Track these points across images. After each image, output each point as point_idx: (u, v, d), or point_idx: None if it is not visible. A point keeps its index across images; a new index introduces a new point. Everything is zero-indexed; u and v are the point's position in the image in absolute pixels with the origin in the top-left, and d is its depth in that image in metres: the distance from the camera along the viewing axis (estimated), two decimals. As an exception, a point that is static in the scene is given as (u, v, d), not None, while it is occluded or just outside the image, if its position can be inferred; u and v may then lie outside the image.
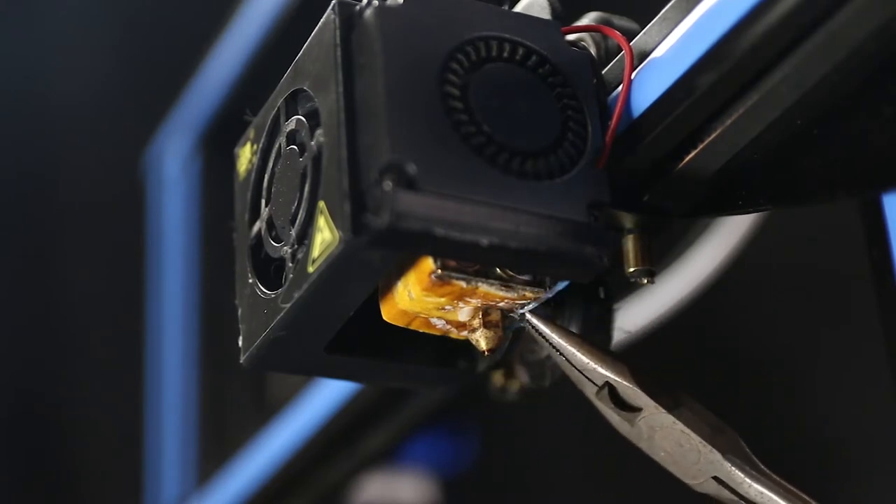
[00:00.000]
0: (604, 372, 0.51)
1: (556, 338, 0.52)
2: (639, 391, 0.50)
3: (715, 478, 0.50)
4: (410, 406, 0.82)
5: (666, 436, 0.50)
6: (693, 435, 0.50)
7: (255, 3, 1.10)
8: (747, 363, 1.06)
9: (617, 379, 0.51)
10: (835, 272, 0.98)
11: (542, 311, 0.53)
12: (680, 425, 0.50)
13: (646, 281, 0.53)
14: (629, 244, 0.53)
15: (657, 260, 0.53)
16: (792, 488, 0.49)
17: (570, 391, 0.54)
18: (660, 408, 0.50)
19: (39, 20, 1.37)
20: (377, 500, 1.03)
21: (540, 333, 0.52)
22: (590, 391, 0.51)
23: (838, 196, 0.50)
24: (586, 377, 0.51)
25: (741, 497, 0.49)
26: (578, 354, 0.51)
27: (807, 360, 1.01)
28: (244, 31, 1.11)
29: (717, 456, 0.50)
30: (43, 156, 1.35)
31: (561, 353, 0.52)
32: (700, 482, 0.50)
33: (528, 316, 0.52)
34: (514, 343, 0.55)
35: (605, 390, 0.51)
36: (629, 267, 0.53)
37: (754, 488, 0.49)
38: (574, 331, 0.55)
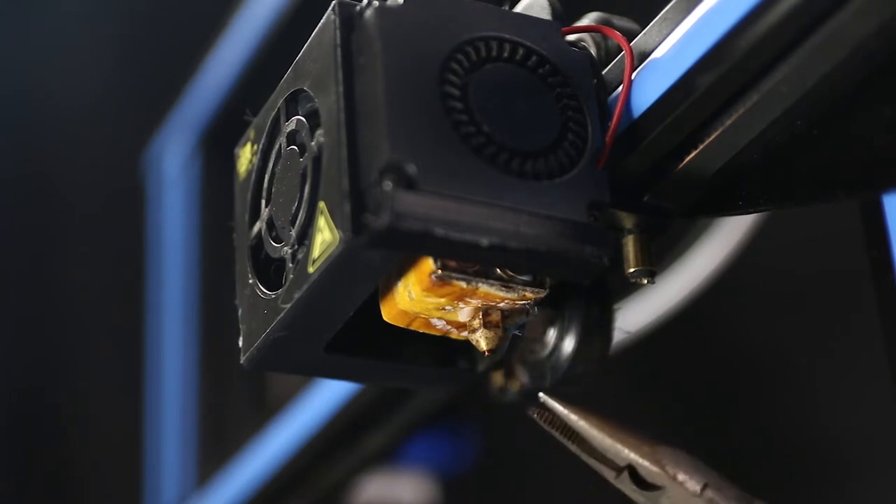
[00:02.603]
0: (626, 454, 0.50)
1: (574, 419, 0.51)
2: (661, 472, 0.50)
3: None
4: (410, 406, 0.82)
5: None
6: None
7: (255, 3, 1.10)
8: (747, 363, 1.06)
9: (640, 461, 0.50)
10: (835, 272, 0.98)
11: (559, 394, 0.52)
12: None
13: (646, 281, 0.53)
14: (629, 244, 0.53)
15: (657, 260, 0.53)
16: None
17: (570, 391, 0.54)
18: (685, 489, 0.49)
19: (39, 20, 1.37)
20: (377, 500, 1.03)
21: (558, 415, 0.52)
22: (609, 475, 0.51)
23: (838, 196, 0.50)
24: (606, 459, 0.51)
25: None
26: (600, 436, 0.51)
27: (807, 360, 1.01)
28: (244, 31, 1.11)
29: None
30: (43, 156, 1.35)
31: (577, 435, 0.51)
32: None
33: (544, 398, 0.52)
34: (514, 343, 0.55)
35: (626, 473, 0.50)
36: (629, 267, 0.53)
37: None
38: (574, 332, 0.55)
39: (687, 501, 0.49)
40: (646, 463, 0.50)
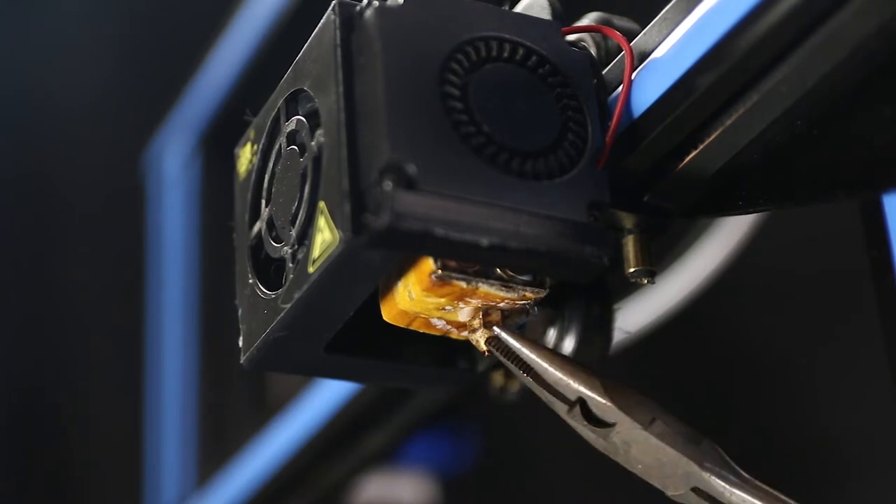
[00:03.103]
0: (576, 387, 0.50)
1: (526, 352, 0.51)
2: (612, 406, 0.50)
3: (695, 489, 0.49)
4: (410, 406, 0.82)
5: (642, 450, 0.49)
6: (669, 448, 0.49)
7: (255, 3, 1.10)
8: (747, 363, 1.06)
9: (589, 394, 0.50)
10: (835, 272, 0.98)
11: (512, 326, 0.52)
12: (654, 440, 0.49)
13: (646, 281, 0.53)
14: (629, 244, 0.53)
15: (657, 260, 0.53)
16: (774, 492, 0.48)
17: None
18: (634, 423, 0.49)
19: (39, 20, 1.37)
20: (377, 500, 1.03)
21: (510, 348, 0.51)
22: (561, 410, 0.50)
23: (838, 196, 0.50)
24: (558, 393, 0.51)
25: None
26: (550, 369, 0.51)
27: (807, 360, 1.01)
28: (244, 31, 1.11)
29: (695, 467, 0.49)
30: (43, 156, 1.35)
31: (531, 369, 0.51)
32: (680, 493, 0.49)
33: (497, 330, 0.52)
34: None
35: (577, 408, 0.50)
36: (629, 267, 0.53)
37: (736, 495, 0.48)
38: (574, 332, 0.55)
39: (636, 436, 0.49)
40: (596, 396, 0.50)
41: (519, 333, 0.52)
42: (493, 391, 0.63)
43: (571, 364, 0.51)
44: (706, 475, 0.49)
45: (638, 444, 0.49)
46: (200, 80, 1.16)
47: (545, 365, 0.51)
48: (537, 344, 0.51)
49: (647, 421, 0.49)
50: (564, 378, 0.50)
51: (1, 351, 1.30)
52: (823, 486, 1.01)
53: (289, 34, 1.05)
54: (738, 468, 0.49)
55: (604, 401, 0.50)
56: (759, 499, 0.48)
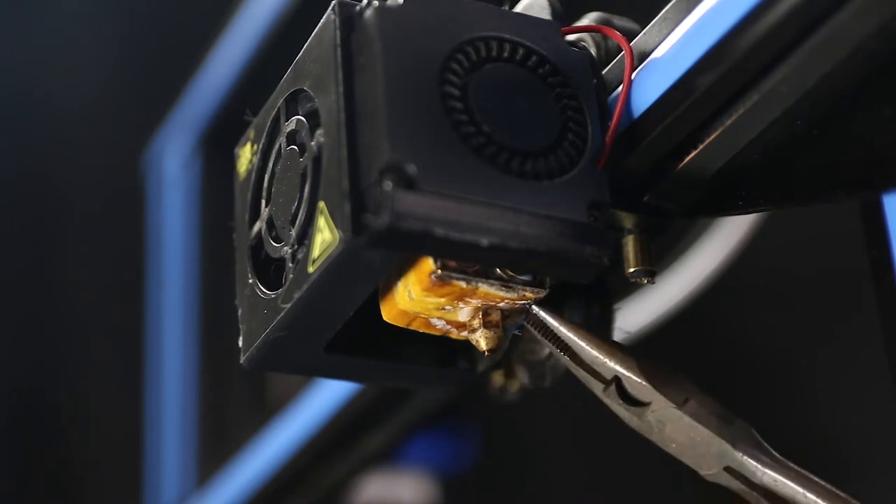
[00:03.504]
0: (613, 366, 0.51)
1: (564, 331, 0.52)
2: (647, 386, 0.50)
3: (727, 468, 0.50)
4: (410, 406, 0.82)
5: (676, 429, 0.50)
6: (702, 428, 0.50)
7: (255, 3, 1.10)
8: (747, 363, 1.06)
9: (626, 373, 0.51)
10: (835, 272, 0.98)
11: (549, 305, 0.52)
12: (688, 419, 0.50)
13: (646, 281, 0.53)
14: (629, 244, 0.53)
15: (657, 260, 0.53)
16: (805, 473, 0.49)
17: (569, 391, 0.54)
18: (668, 402, 0.50)
19: (39, 20, 1.37)
20: (377, 500, 1.03)
21: (548, 327, 0.52)
22: (597, 388, 0.51)
23: (838, 196, 0.50)
24: (594, 372, 0.51)
25: (754, 486, 0.49)
26: (587, 348, 0.51)
27: (807, 360, 1.01)
28: (244, 31, 1.11)
29: (728, 447, 0.50)
30: (43, 156, 1.35)
31: (569, 347, 0.51)
32: (713, 472, 0.50)
33: (536, 309, 0.52)
34: (514, 343, 0.55)
35: (613, 386, 0.51)
36: (629, 267, 0.53)
37: (768, 475, 0.49)
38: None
39: (670, 415, 0.50)
40: (631, 375, 0.50)
41: (556, 312, 0.52)
42: (493, 391, 0.63)
43: (608, 343, 0.51)
44: (739, 455, 0.49)
45: (672, 423, 0.50)
46: (200, 80, 1.16)
47: (582, 344, 0.51)
48: (575, 323, 0.52)
49: (681, 400, 0.50)
50: (601, 357, 0.51)
51: (1, 351, 1.30)
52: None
53: (289, 34, 1.05)
54: (770, 448, 0.50)
55: (639, 380, 0.50)
56: (791, 479, 0.49)
